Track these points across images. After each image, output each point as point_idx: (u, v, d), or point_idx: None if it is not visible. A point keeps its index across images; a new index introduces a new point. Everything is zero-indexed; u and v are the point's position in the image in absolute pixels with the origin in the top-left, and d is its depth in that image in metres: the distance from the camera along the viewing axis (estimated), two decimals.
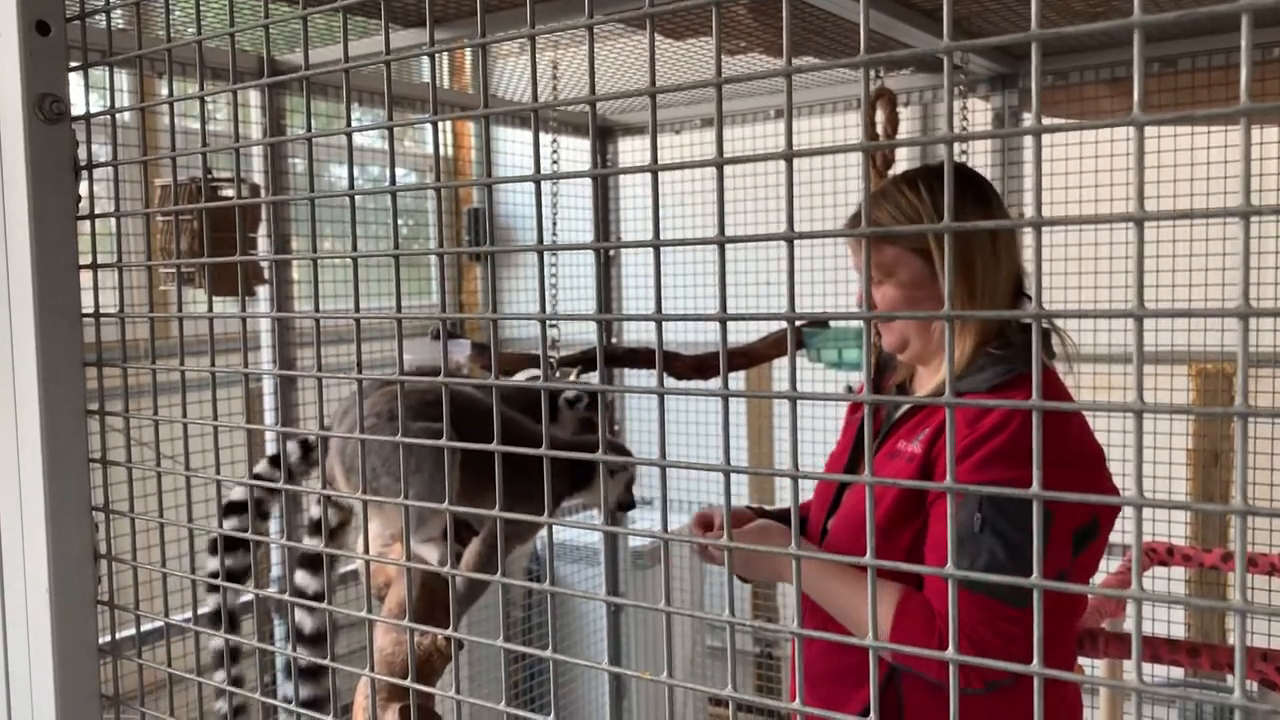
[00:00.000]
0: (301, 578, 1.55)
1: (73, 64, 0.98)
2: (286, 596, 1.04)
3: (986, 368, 1.45)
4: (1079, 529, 1.40)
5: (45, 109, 0.94)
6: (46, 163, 0.95)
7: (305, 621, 1.51)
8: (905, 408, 1.55)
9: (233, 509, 1.57)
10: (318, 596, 1.51)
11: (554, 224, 3.39)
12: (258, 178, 2.71)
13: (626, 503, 1.61)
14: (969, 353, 1.48)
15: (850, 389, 3.11)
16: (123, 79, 2.26)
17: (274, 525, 2.46)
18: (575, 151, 3.70)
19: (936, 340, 1.53)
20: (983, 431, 1.37)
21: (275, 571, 2.75)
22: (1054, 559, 1.36)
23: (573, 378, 2.14)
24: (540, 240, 0.70)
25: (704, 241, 0.61)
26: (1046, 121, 0.51)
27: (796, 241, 0.60)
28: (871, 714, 0.61)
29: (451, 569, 0.80)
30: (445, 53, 3.05)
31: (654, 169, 0.62)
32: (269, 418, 2.70)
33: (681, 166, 0.63)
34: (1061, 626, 1.52)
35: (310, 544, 1.57)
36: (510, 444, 0.74)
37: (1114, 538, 2.93)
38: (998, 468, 1.34)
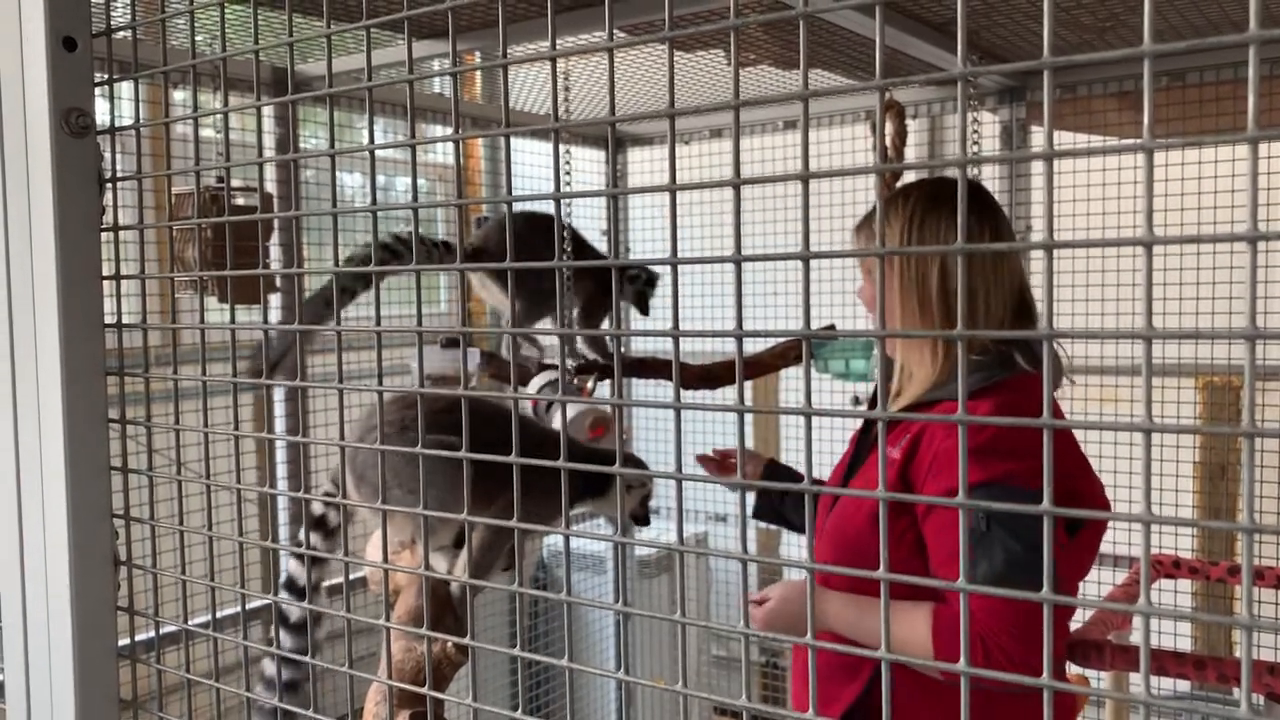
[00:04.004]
0: (294, 567, 1.58)
1: (98, 78, 1.00)
2: (306, 605, 1.06)
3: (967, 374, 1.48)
4: None
5: (71, 123, 0.96)
6: (72, 176, 0.97)
7: (292, 612, 1.53)
8: None
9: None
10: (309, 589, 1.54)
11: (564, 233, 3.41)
12: (269, 186, 2.73)
13: (642, 518, 1.63)
14: (945, 363, 1.52)
15: (857, 399, 3.11)
16: (140, 87, 2.28)
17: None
18: (586, 162, 3.72)
19: (914, 343, 1.59)
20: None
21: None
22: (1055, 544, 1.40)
23: (589, 386, 2.16)
24: (559, 256, 0.72)
25: (721, 260, 0.62)
26: (1055, 136, 0.53)
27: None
28: (883, 716, 0.63)
29: (460, 577, 0.81)
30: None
31: (673, 188, 0.64)
32: (279, 424, 2.71)
33: (700, 186, 0.65)
34: (1064, 616, 1.60)
35: (314, 539, 1.59)
36: (522, 441, 0.76)
37: (1121, 549, 2.90)
38: (991, 463, 1.36)
